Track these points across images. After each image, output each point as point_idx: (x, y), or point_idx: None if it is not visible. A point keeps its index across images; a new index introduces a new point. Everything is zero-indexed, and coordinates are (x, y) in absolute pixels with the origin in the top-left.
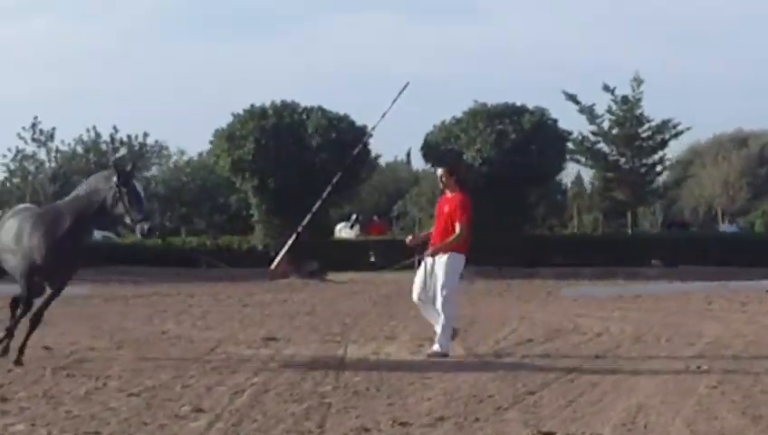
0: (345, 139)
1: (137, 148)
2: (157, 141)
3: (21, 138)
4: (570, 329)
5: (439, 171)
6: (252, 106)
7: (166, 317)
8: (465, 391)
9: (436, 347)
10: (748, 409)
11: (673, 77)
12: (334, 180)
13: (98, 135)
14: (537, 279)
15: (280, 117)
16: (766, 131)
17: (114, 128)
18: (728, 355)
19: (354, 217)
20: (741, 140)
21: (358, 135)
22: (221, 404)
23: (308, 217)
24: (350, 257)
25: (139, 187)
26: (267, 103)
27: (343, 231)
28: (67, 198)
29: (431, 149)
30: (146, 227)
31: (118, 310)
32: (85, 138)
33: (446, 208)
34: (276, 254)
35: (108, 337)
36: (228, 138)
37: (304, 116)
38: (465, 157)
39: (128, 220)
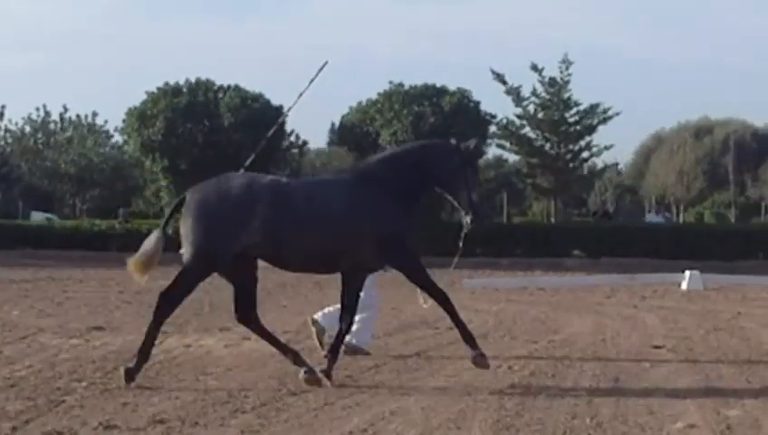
0: (260, 119)
1: (85, 127)
2: (106, 121)
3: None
4: (430, 322)
5: None
6: (165, 84)
7: (20, 302)
8: (215, 391)
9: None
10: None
11: (643, 62)
12: (246, 163)
13: (47, 114)
14: (443, 268)
15: (194, 95)
16: (732, 120)
17: (64, 107)
18: (556, 355)
19: None
20: (706, 128)
21: (275, 116)
22: None
23: None
24: None
25: None
26: (182, 81)
27: None
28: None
29: (346, 132)
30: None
31: None
32: (34, 116)
33: None
34: None
35: None
36: (139, 116)
37: (220, 95)
38: (379, 140)
39: (463, 205)
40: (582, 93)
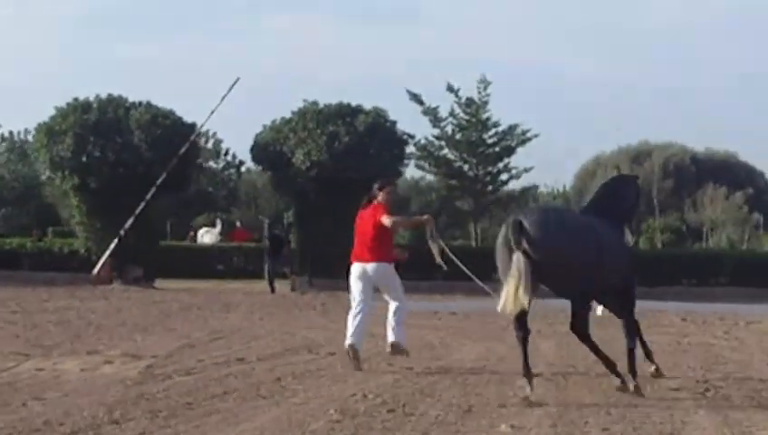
0: (172, 137)
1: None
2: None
3: None
4: (313, 346)
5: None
6: (74, 99)
7: None
8: (34, 418)
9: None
10: None
11: (585, 84)
12: (159, 181)
13: None
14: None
15: (103, 112)
16: (671, 144)
17: None
18: (421, 384)
19: (219, 222)
20: (646, 152)
21: (188, 133)
22: None
23: (130, 220)
24: (203, 264)
25: None
26: (92, 97)
27: (206, 236)
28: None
29: (260, 150)
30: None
31: None
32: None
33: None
34: (98, 259)
35: None
36: (48, 132)
37: (132, 111)
38: (293, 159)
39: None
40: (513, 115)
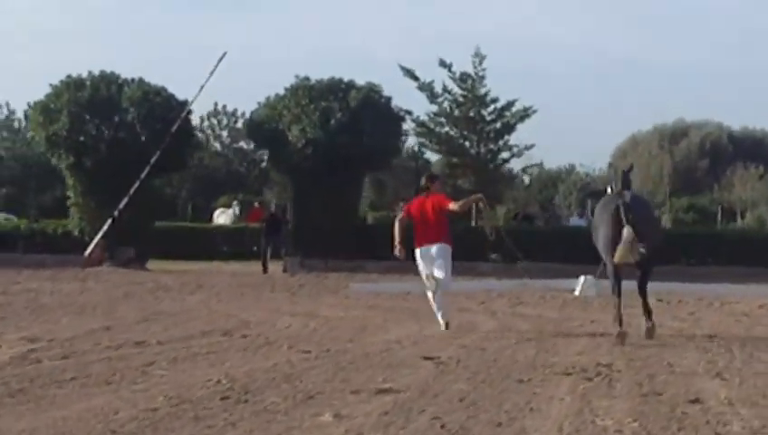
0: (164, 114)
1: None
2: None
3: None
4: (236, 328)
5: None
6: (68, 76)
7: None
8: None
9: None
10: None
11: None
12: (153, 160)
13: None
14: (360, 273)
15: (96, 88)
16: (707, 122)
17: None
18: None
19: (236, 203)
20: (682, 131)
21: (179, 110)
22: None
23: (124, 200)
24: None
25: None
26: (84, 74)
27: (221, 217)
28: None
29: (256, 128)
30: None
31: None
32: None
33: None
34: (92, 240)
35: None
36: (43, 110)
37: (126, 88)
38: (288, 136)
39: None
40: (543, 95)
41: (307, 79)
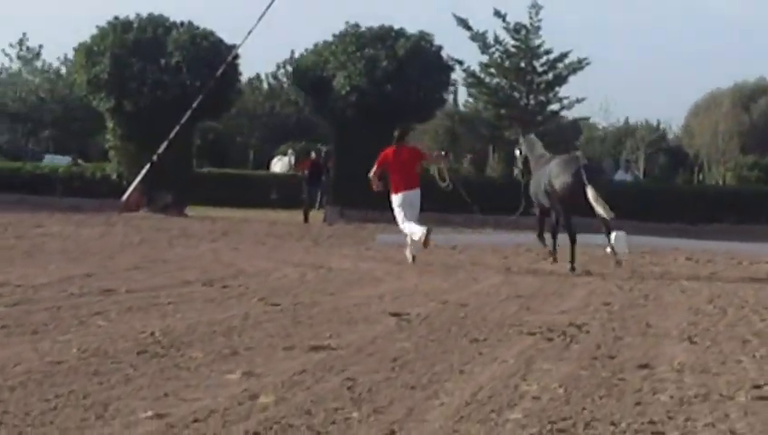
0: (211, 58)
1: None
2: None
3: (6, 54)
4: (220, 278)
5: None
6: (115, 18)
7: None
8: None
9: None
10: None
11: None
12: (195, 104)
13: None
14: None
15: (143, 31)
16: None
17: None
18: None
19: (291, 151)
20: (762, 90)
21: (226, 55)
22: None
23: (164, 144)
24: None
25: None
26: (132, 16)
27: (277, 165)
28: None
29: (301, 75)
30: None
31: None
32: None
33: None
34: (130, 184)
35: None
36: (87, 52)
37: (174, 32)
38: (334, 83)
39: None
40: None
41: (357, 26)
